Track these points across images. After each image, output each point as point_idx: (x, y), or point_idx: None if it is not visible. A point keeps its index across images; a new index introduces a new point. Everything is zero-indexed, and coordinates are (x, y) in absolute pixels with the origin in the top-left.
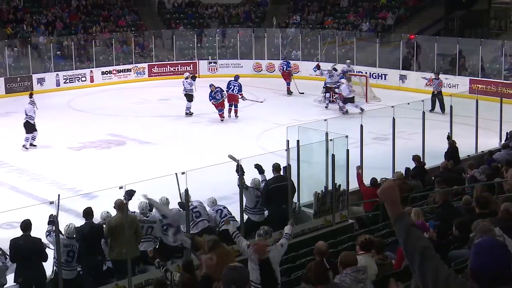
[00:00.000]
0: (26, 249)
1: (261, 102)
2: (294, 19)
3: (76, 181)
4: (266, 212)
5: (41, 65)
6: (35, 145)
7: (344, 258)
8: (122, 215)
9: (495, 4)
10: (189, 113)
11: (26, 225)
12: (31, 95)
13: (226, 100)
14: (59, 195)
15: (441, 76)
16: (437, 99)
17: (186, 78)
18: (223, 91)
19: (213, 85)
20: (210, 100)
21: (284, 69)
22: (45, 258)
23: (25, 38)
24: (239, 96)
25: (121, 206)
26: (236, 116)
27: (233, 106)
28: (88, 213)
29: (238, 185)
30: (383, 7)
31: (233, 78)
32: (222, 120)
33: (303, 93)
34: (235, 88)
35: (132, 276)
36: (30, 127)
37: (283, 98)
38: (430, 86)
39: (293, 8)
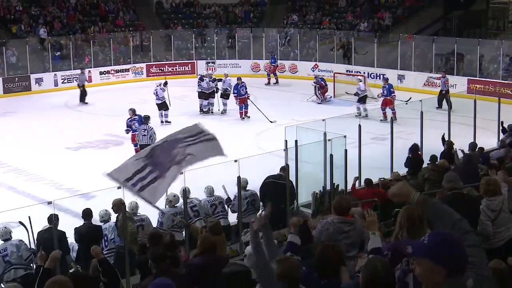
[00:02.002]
0: (50, 242)
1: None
2: (293, 19)
3: (74, 181)
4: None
5: (40, 65)
6: (170, 122)
7: (338, 204)
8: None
9: (493, 4)
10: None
11: (51, 219)
12: (165, 83)
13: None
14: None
15: (440, 76)
16: (444, 98)
17: (205, 76)
18: (147, 124)
19: (132, 110)
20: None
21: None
22: (67, 251)
23: (23, 38)
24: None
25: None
26: (242, 117)
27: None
28: (87, 214)
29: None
30: (381, 7)
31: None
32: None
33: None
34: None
35: (130, 276)
36: (165, 106)
37: (281, 98)
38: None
39: (291, 8)
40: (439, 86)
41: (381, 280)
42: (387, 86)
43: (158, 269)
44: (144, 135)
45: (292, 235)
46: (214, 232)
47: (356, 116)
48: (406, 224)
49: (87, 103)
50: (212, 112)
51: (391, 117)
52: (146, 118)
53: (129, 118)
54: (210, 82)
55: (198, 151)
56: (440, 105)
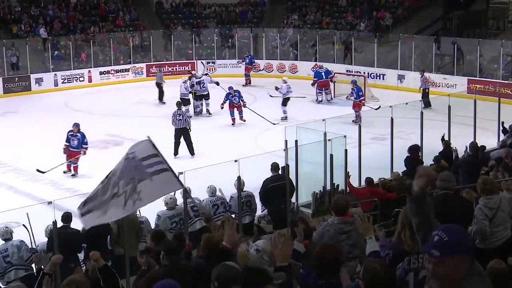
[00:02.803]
0: (63, 239)
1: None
2: (293, 19)
3: (74, 181)
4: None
5: (40, 65)
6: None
7: (336, 204)
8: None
9: (493, 4)
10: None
11: (66, 217)
12: (193, 87)
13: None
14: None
15: (440, 76)
16: (422, 96)
17: (193, 76)
18: (84, 141)
19: (77, 126)
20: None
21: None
22: (80, 250)
23: (23, 38)
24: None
25: None
26: (233, 124)
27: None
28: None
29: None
30: (381, 7)
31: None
32: (72, 175)
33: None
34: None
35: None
36: (186, 102)
37: (281, 98)
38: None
39: (291, 8)
40: (439, 86)
41: (381, 281)
42: (355, 89)
43: (169, 261)
44: (180, 119)
45: (296, 243)
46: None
47: (282, 118)
48: (408, 223)
49: (164, 103)
50: (206, 113)
51: (356, 120)
52: (179, 104)
53: (70, 131)
54: (195, 83)
55: (148, 191)
56: (426, 105)
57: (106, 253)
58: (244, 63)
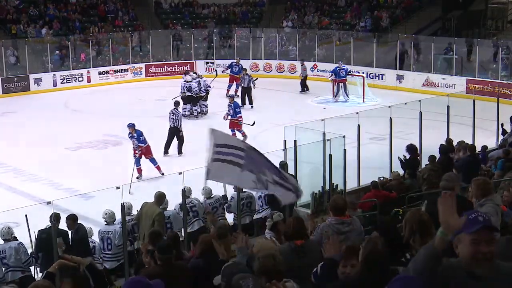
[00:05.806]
0: (50, 240)
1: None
2: (292, 19)
3: (73, 182)
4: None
5: (40, 65)
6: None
7: (334, 203)
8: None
9: (492, 4)
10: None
11: (55, 217)
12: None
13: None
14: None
15: (438, 76)
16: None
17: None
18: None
19: None
20: None
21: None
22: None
23: (22, 38)
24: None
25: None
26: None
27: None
28: (73, 219)
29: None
30: (380, 7)
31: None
32: None
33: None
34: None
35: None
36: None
37: (280, 98)
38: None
39: (290, 8)
40: (438, 86)
41: (378, 255)
42: (232, 105)
43: (163, 260)
44: (173, 118)
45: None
46: (221, 236)
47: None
48: (418, 228)
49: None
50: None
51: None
52: (177, 103)
53: None
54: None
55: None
56: (303, 89)
57: (87, 251)
58: (228, 71)
